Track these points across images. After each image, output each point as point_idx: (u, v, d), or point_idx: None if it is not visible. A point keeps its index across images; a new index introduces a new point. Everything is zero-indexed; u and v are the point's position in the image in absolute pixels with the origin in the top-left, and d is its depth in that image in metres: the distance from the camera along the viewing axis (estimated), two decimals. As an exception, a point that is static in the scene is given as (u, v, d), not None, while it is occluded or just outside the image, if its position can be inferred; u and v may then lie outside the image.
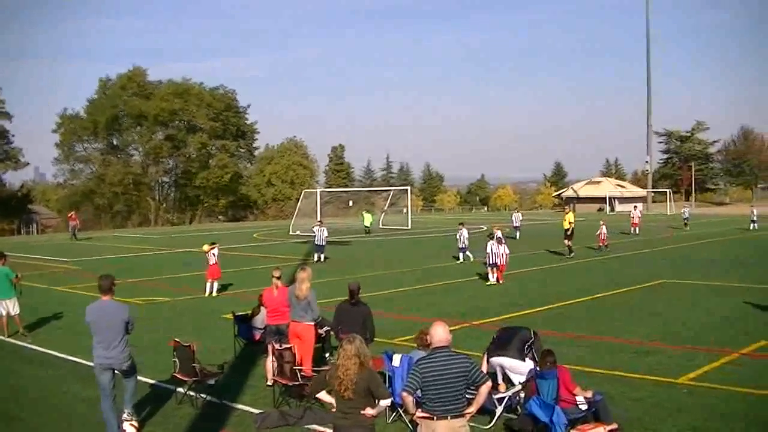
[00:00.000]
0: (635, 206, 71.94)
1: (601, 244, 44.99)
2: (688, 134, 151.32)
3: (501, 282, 31.02)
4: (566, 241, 41.78)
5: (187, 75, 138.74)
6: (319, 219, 48.76)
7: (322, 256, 41.14)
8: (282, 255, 44.40)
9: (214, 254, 29.48)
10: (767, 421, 12.78)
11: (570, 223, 41.67)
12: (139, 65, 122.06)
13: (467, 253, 39.42)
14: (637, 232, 59.66)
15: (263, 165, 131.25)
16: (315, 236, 41.87)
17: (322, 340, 16.44)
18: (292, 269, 33.41)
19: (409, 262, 39.75)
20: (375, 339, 15.37)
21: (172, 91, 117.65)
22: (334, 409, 9.23)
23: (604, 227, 45.39)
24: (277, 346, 14.79)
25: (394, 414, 13.07)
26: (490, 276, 31.27)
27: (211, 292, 28.98)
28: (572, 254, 40.95)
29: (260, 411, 13.72)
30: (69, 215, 67.53)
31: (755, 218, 65.39)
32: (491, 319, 22.74)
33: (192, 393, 14.55)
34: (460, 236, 39.57)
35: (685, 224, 66.92)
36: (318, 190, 65.96)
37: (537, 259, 40.43)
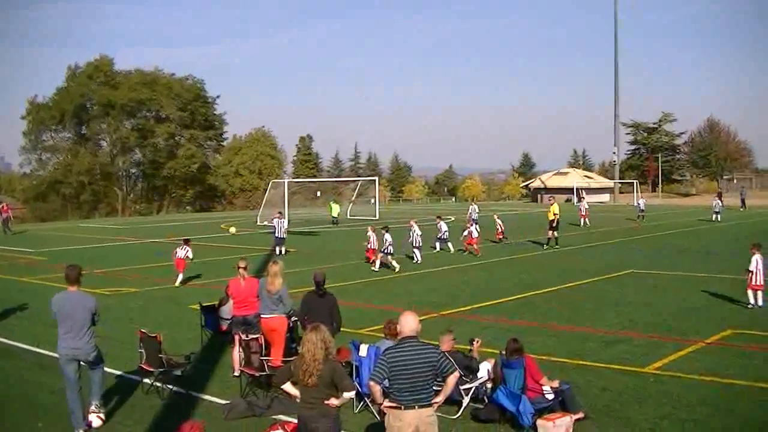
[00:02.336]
0: (581, 198, 70.89)
1: (499, 237, 45.16)
2: (656, 126, 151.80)
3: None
4: (550, 232, 41.75)
5: (156, 63, 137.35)
6: (279, 210, 45.99)
7: (283, 249, 39.92)
8: (249, 245, 44.24)
9: (185, 249, 29.73)
10: (732, 409, 12.89)
11: (555, 214, 41.63)
12: (106, 54, 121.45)
13: (447, 244, 39.62)
14: (587, 223, 58.80)
15: (231, 155, 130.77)
16: (275, 228, 40.56)
17: (290, 330, 16.39)
18: (259, 259, 33.59)
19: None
20: (342, 329, 15.35)
21: (140, 80, 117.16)
22: (298, 400, 9.20)
23: (499, 221, 45.58)
24: (243, 337, 14.75)
25: (362, 404, 13.06)
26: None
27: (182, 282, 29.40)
28: (557, 246, 41.00)
29: (227, 401, 13.68)
30: (1, 206, 64.27)
31: (719, 209, 64.64)
32: (460, 309, 22.81)
33: (159, 384, 14.50)
34: (439, 227, 39.66)
35: (641, 216, 65.74)
36: (286, 180, 65.52)
37: (507, 250, 40.53)
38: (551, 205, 42.64)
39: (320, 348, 8.87)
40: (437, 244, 39.70)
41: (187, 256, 29.70)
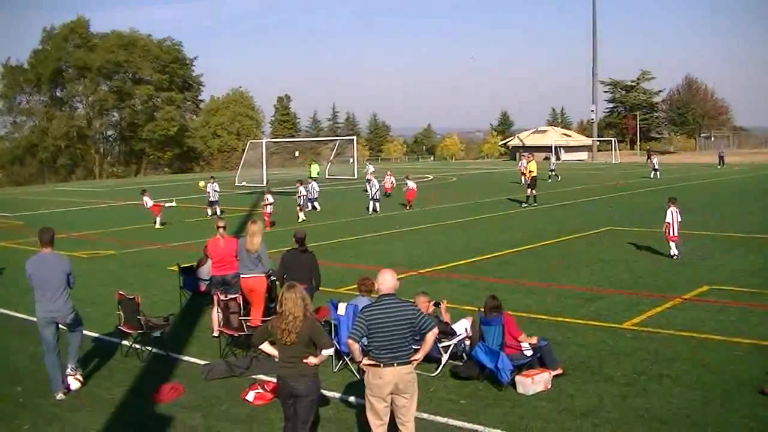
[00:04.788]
0: (523, 154, 67.22)
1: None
2: (634, 84, 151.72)
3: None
4: (528, 190, 41.74)
5: (133, 24, 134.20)
6: (212, 176, 48.92)
7: (218, 210, 40.12)
8: (228, 206, 44.07)
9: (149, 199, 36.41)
10: (707, 364, 12.99)
11: (531, 171, 41.64)
12: (83, 15, 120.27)
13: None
14: (522, 181, 55.49)
15: (209, 116, 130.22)
16: (209, 193, 41.13)
17: (269, 290, 16.37)
18: (238, 220, 33.51)
19: (355, 211, 39.72)
20: (321, 288, 15.39)
21: (117, 42, 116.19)
22: (277, 360, 9.21)
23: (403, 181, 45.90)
24: (222, 297, 14.72)
25: (341, 363, 13.11)
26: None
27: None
28: (535, 204, 41.03)
29: (206, 362, 13.68)
30: None
31: (657, 167, 65.77)
32: (438, 267, 22.85)
33: (137, 346, 14.47)
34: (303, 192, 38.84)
35: (551, 176, 64.18)
36: (263, 141, 65.30)
37: (485, 207, 40.57)
38: (529, 163, 42.58)
39: (300, 305, 8.87)
40: (315, 204, 41.29)
41: (146, 204, 35.87)
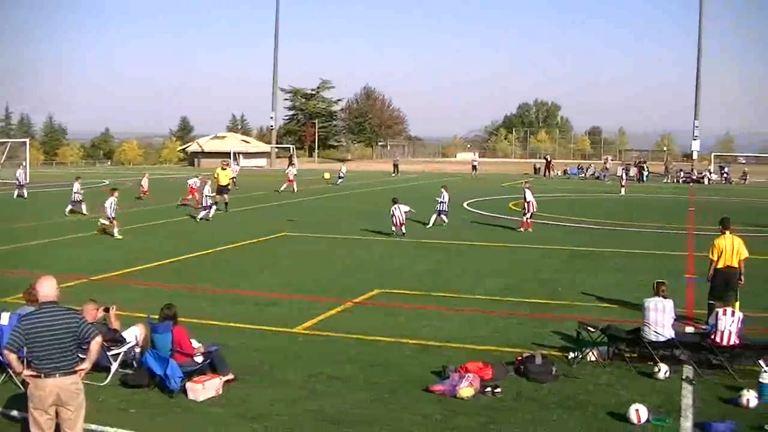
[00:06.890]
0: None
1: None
2: (314, 92, 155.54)
3: None
4: (218, 196, 40.95)
5: None
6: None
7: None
8: None
9: None
10: (377, 364, 13.52)
11: (231, 179, 41.62)
12: None
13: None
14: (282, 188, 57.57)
15: None
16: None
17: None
18: None
19: (28, 217, 37.94)
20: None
21: None
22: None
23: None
24: None
25: (4, 375, 12.48)
26: None
27: None
28: (225, 210, 40.47)
29: None
30: None
31: (342, 174, 68.64)
32: (113, 273, 22.28)
33: None
34: None
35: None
36: None
37: (163, 213, 39.92)
38: (223, 169, 42.09)
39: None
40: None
41: None
